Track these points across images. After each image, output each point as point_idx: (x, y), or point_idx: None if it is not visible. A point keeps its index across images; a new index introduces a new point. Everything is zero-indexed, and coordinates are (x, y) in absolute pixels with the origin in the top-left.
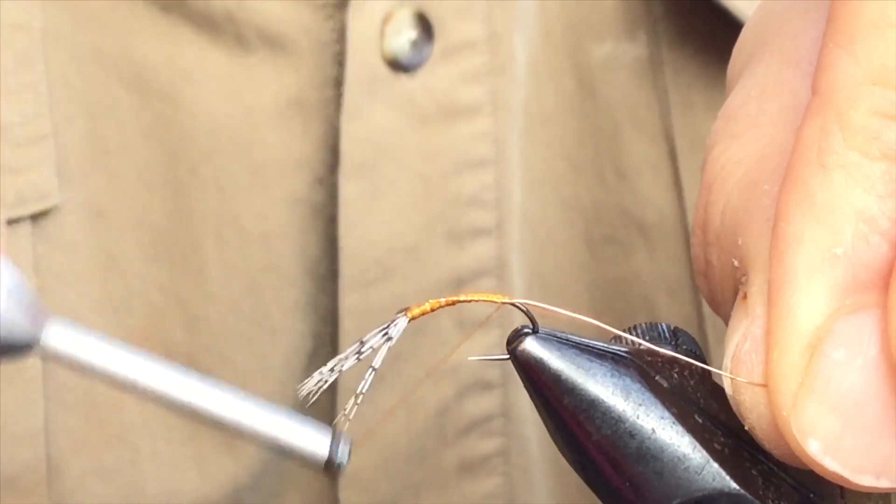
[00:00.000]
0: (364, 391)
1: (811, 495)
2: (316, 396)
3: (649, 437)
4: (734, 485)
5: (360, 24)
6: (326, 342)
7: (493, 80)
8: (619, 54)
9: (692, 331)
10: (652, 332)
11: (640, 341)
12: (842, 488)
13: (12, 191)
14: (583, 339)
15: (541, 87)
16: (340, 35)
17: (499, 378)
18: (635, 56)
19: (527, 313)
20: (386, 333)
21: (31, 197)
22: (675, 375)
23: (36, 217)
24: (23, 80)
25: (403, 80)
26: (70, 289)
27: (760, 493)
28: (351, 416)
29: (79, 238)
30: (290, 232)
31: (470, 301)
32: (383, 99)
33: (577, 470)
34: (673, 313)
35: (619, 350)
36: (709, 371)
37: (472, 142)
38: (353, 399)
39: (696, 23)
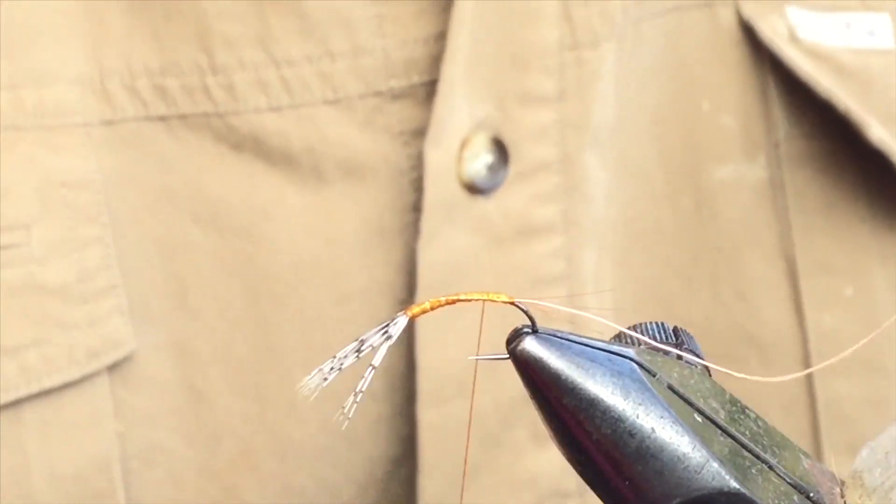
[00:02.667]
0: (363, 389)
1: (811, 495)
2: (315, 395)
3: (649, 437)
4: (734, 484)
5: (438, 151)
6: (409, 453)
7: (566, 200)
8: (740, 176)
9: (807, 447)
10: (653, 331)
11: (642, 339)
12: (842, 488)
13: (82, 348)
14: (583, 339)
15: (656, 206)
16: (417, 161)
17: (576, 486)
18: (756, 178)
19: (526, 313)
20: (386, 332)
21: (104, 349)
22: (676, 374)
23: (114, 366)
24: (84, 235)
25: (479, 203)
26: (157, 427)
27: (760, 492)
28: (350, 415)
29: (163, 376)
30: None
31: (470, 300)
32: (460, 222)
33: (576, 469)
34: (786, 430)
35: (619, 349)
36: (709, 370)
37: (545, 259)
38: (352, 398)
39: (818, 145)
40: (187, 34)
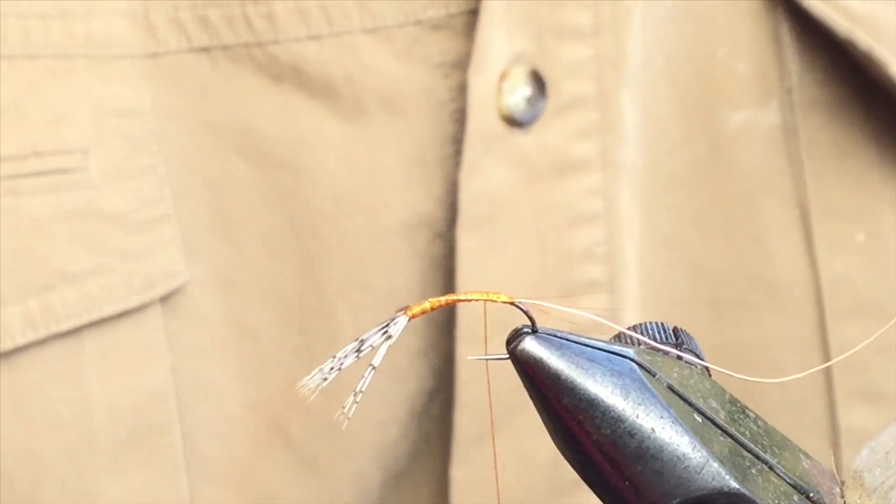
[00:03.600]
0: (363, 389)
1: (811, 495)
2: (316, 393)
3: (649, 437)
4: (734, 484)
5: (479, 82)
6: (447, 383)
7: (603, 137)
8: (754, 121)
9: (819, 395)
10: (653, 331)
11: (642, 339)
12: (842, 488)
13: (139, 277)
14: (583, 339)
15: (672, 152)
16: (457, 93)
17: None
18: (769, 123)
19: (526, 313)
20: (386, 332)
21: (160, 278)
22: (675, 374)
23: (166, 297)
24: (139, 165)
25: (518, 136)
26: (206, 362)
27: (760, 492)
28: (350, 415)
29: (209, 310)
30: (414, 286)
31: (470, 300)
32: (500, 155)
33: (576, 469)
34: (800, 374)
35: (619, 349)
36: (709, 370)
37: (584, 197)
38: (351, 397)
39: (831, 91)
40: None
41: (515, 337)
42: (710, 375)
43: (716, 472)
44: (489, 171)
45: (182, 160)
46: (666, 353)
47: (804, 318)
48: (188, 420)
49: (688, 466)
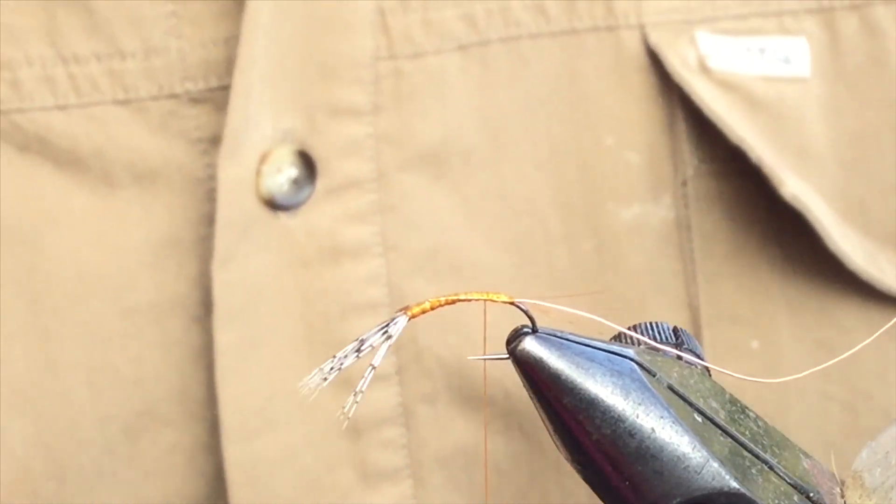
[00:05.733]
0: (363, 389)
1: (811, 495)
2: (316, 394)
3: (649, 437)
4: (734, 484)
5: (233, 164)
6: (217, 495)
7: (383, 220)
8: (645, 217)
9: None
10: (653, 331)
11: (642, 339)
12: (842, 488)
13: None
14: (583, 339)
15: (552, 249)
16: (215, 171)
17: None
18: (661, 218)
19: (526, 313)
20: (386, 332)
21: None
22: (675, 374)
23: None
24: None
25: (283, 220)
26: None
27: (760, 492)
28: (350, 415)
29: None
30: (168, 374)
31: (470, 300)
32: (259, 240)
33: (577, 469)
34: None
35: (619, 349)
36: (709, 370)
37: (361, 284)
38: (351, 397)
39: (728, 184)
40: None
41: (515, 337)
42: (710, 375)
43: (716, 472)
44: (246, 258)
45: None
46: (666, 353)
47: None
48: None
49: (688, 466)
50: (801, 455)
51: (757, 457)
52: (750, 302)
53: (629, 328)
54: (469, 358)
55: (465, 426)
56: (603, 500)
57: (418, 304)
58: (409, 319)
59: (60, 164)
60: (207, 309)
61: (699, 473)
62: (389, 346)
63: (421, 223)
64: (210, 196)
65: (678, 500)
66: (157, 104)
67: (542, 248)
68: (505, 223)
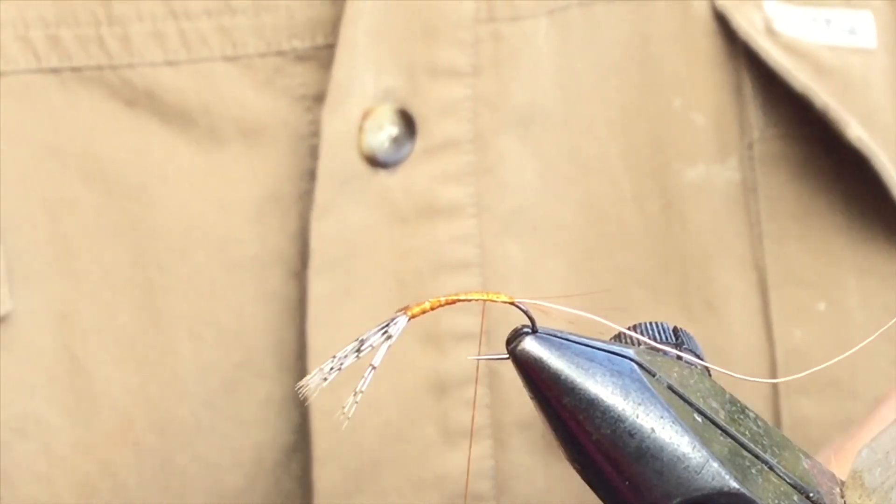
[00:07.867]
0: (363, 389)
1: (811, 495)
2: (316, 394)
3: (649, 437)
4: (734, 484)
5: (336, 119)
6: (303, 443)
7: (478, 181)
8: (711, 178)
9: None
10: (653, 331)
11: (642, 339)
12: (842, 488)
13: None
14: (583, 338)
15: (622, 208)
16: (319, 127)
17: (490, 489)
18: (727, 180)
19: (526, 313)
20: (386, 332)
21: None
22: (675, 374)
23: None
24: None
25: (382, 177)
26: (33, 397)
27: (760, 492)
28: (350, 415)
29: (40, 343)
30: (265, 327)
31: (470, 300)
32: (357, 195)
33: (576, 469)
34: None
35: (619, 349)
36: (709, 370)
37: (453, 243)
38: (352, 397)
39: (795, 147)
40: None
41: (515, 337)
42: (710, 375)
43: (716, 472)
44: (344, 212)
45: (23, 184)
46: (666, 353)
47: (757, 390)
48: (7, 458)
49: (688, 466)
50: (801, 455)
51: (757, 457)
52: (816, 264)
53: (629, 328)
54: (469, 358)
55: None
56: (603, 501)
57: (418, 305)
58: (410, 320)
59: (168, 120)
60: (305, 264)
61: (699, 473)
62: (389, 346)
63: (510, 184)
64: (312, 153)
65: (678, 500)
66: (265, 61)
67: (612, 207)
68: (577, 183)
